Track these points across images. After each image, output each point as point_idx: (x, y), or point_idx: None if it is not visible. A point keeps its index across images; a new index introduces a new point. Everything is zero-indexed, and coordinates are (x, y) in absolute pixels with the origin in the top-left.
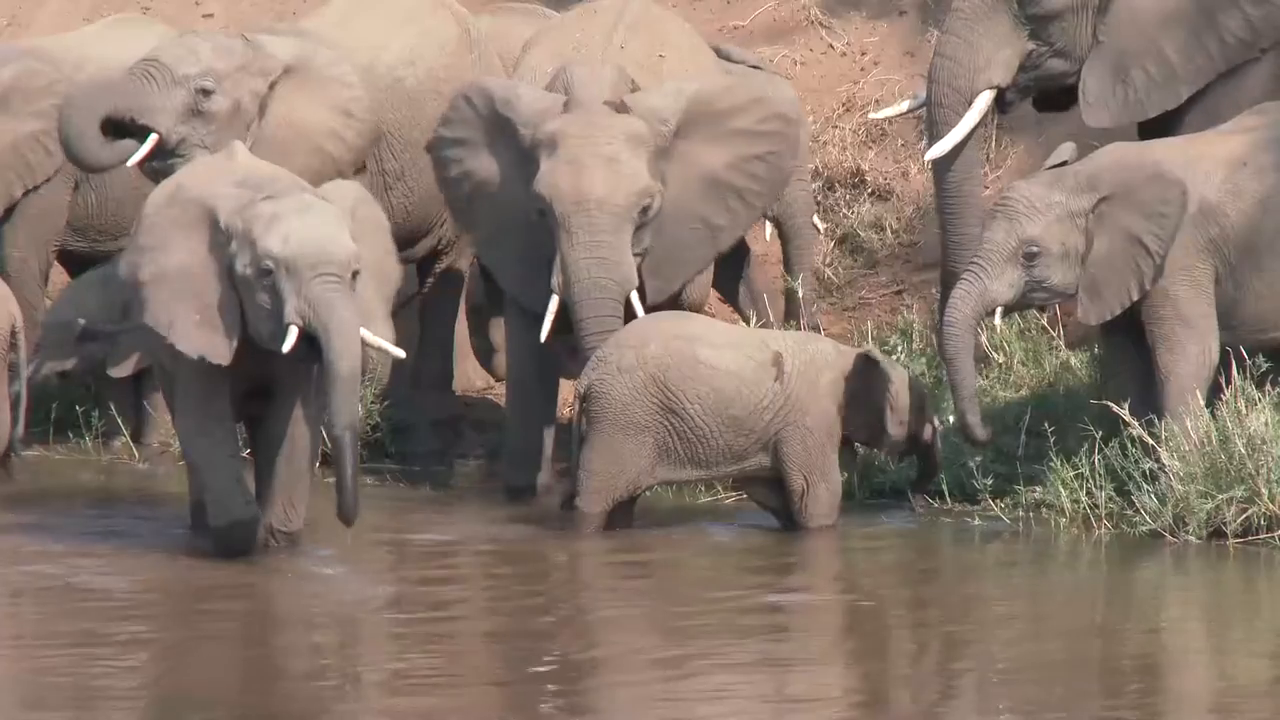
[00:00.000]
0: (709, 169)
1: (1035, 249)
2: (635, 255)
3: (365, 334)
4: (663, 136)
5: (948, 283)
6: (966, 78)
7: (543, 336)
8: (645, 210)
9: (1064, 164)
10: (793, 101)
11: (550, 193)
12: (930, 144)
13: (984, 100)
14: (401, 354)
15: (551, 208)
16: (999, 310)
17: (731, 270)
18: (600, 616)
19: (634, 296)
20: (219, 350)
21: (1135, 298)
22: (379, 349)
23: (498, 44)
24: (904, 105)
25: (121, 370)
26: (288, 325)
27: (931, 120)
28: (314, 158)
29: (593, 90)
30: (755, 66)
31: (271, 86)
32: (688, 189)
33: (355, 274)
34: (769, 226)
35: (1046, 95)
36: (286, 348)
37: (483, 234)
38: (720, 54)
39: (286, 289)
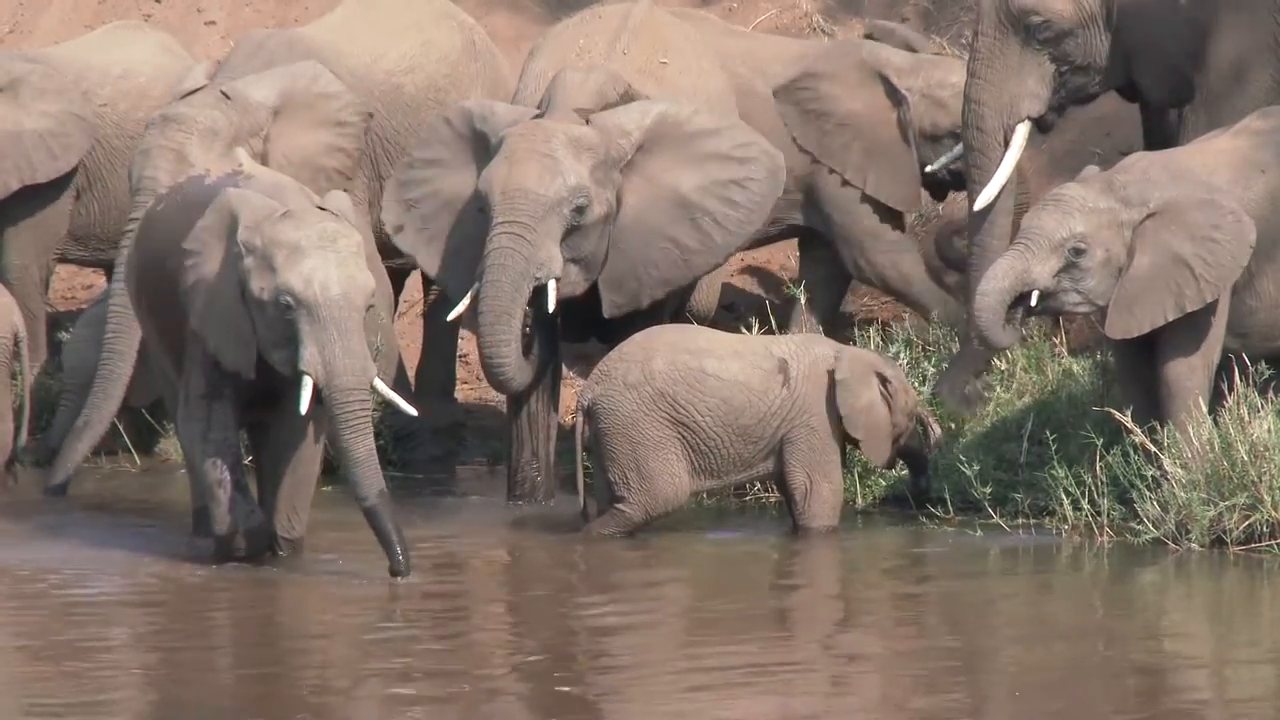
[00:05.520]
0: (676, 189)
1: (1082, 246)
2: (570, 260)
3: (378, 385)
4: (620, 149)
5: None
6: (994, 118)
7: (550, 306)
8: (580, 211)
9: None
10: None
11: (486, 186)
12: (970, 189)
13: (1021, 135)
14: (414, 411)
15: (487, 201)
16: (1034, 294)
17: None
18: (605, 621)
19: (551, 286)
20: (245, 364)
21: (1170, 319)
22: (390, 401)
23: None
24: (948, 157)
25: (143, 400)
26: (303, 374)
27: (966, 165)
28: (319, 179)
29: (573, 96)
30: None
31: (265, 139)
32: (653, 207)
33: (370, 306)
34: None
35: (1127, 92)
36: (304, 408)
37: (440, 247)
38: (882, 35)
39: (304, 331)
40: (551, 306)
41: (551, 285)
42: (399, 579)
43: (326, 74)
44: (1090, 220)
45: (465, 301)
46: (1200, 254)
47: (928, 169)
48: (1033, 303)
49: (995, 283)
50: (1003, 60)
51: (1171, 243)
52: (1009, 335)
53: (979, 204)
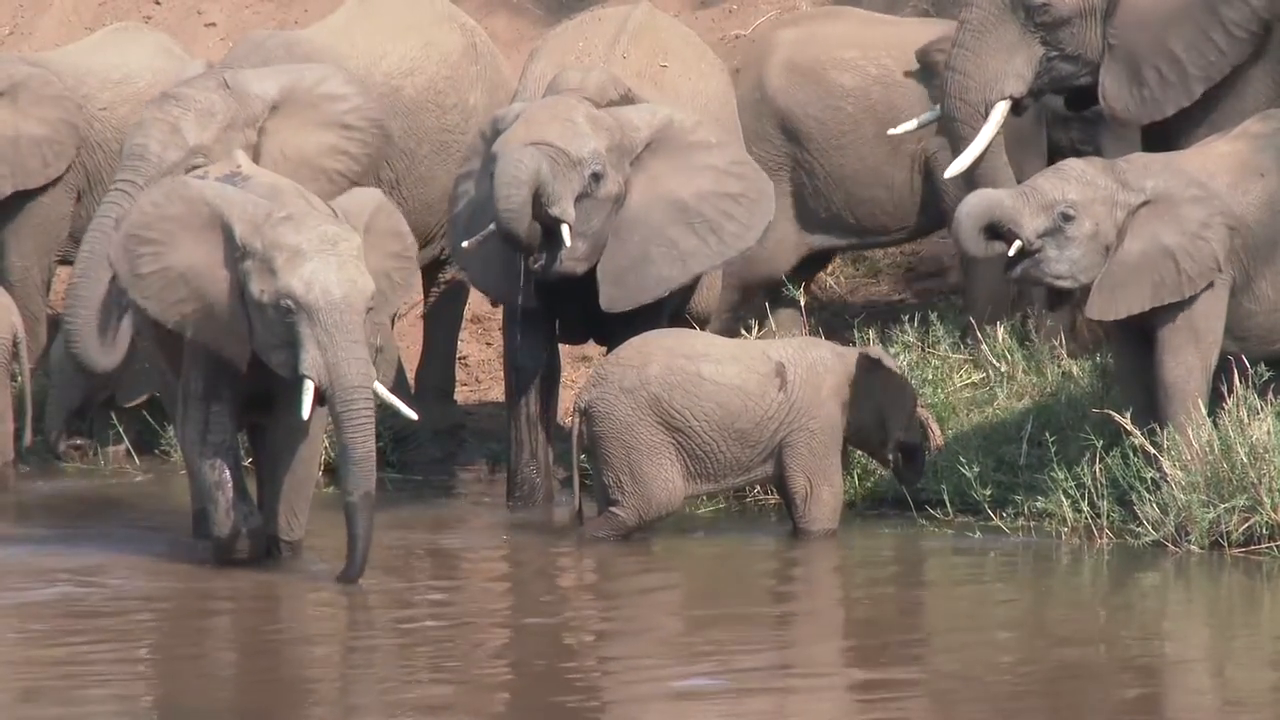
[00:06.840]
0: (676, 194)
1: (1071, 213)
2: (577, 235)
3: (378, 389)
4: (632, 141)
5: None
6: (978, 91)
7: (566, 241)
8: (596, 179)
9: None
10: None
11: (502, 147)
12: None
13: (1000, 111)
14: (414, 415)
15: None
16: (1015, 244)
17: None
18: (606, 624)
19: (565, 231)
20: (237, 356)
21: (1149, 307)
22: (390, 404)
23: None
24: (919, 121)
25: (132, 400)
26: (304, 377)
27: (948, 135)
28: (320, 180)
29: (576, 90)
30: None
31: (260, 131)
32: (652, 207)
33: (370, 309)
34: None
35: (1078, 94)
36: (305, 413)
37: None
38: None
39: (305, 334)
40: (568, 241)
41: (565, 230)
42: (346, 584)
43: (338, 76)
44: (1085, 191)
45: (474, 244)
46: (1187, 248)
47: (890, 132)
48: (1011, 252)
49: (986, 192)
50: (994, 35)
51: (1161, 233)
52: (978, 244)
53: (949, 173)
